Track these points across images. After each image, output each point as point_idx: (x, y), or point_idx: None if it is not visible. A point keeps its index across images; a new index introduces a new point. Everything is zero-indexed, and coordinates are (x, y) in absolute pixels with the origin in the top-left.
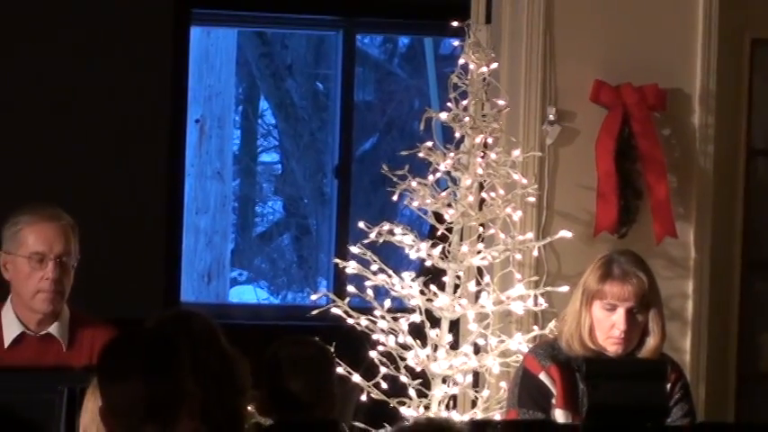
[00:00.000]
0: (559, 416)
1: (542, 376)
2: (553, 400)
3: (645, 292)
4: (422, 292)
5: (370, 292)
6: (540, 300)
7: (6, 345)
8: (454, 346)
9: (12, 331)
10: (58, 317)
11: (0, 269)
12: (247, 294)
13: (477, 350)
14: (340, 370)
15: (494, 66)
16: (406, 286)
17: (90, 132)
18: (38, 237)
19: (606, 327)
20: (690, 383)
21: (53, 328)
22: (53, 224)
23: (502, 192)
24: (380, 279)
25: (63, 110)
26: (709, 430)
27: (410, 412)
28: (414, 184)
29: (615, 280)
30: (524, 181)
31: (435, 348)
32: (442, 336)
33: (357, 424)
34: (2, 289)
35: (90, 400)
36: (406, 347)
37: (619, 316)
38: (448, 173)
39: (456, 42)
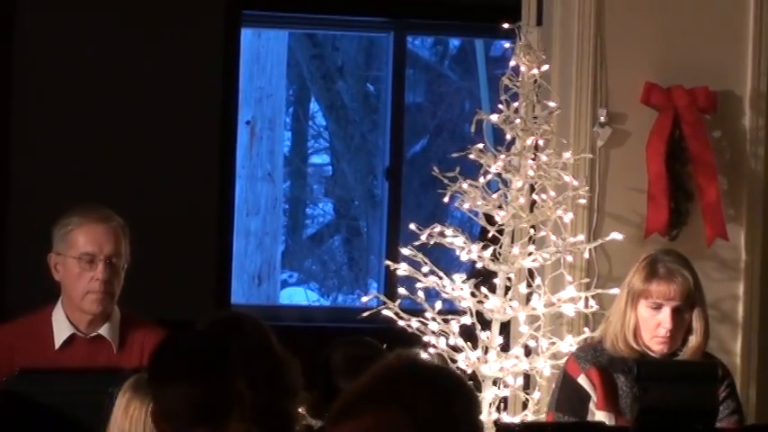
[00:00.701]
0: (601, 418)
1: (581, 379)
2: (592, 404)
3: (690, 291)
4: (473, 294)
5: (420, 294)
6: (591, 302)
7: (57, 346)
8: (505, 348)
9: (62, 333)
10: (108, 318)
11: (51, 270)
12: (298, 296)
13: (528, 352)
14: None
15: (545, 68)
16: (457, 288)
17: (141, 134)
18: (88, 238)
19: (652, 326)
20: (740, 386)
21: (103, 330)
22: (103, 225)
23: (553, 194)
24: (431, 281)
25: (115, 112)
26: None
27: None
28: (465, 185)
29: (661, 279)
30: (575, 183)
31: (486, 350)
32: (492, 338)
33: None
34: (53, 290)
35: (119, 414)
36: (456, 349)
37: (664, 315)
38: (499, 175)
39: (507, 44)
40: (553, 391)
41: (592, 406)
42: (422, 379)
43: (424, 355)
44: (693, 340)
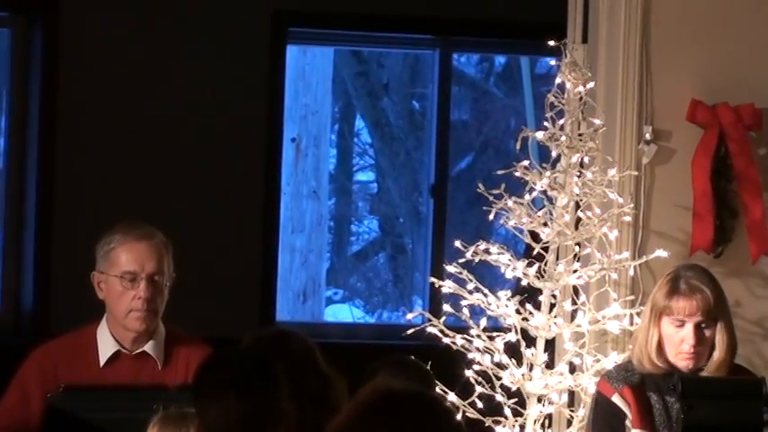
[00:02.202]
0: None
1: (615, 398)
2: (628, 422)
3: (711, 307)
4: (517, 311)
5: (465, 311)
6: (636, 319)
7: (102, 363)
8: (550, 365)
9: (107, 350)
10: (152, 335)
11: (95, 288)
12: (342, 313)
13: (573, 369)
14: (437, 390)
15: (590, 85)
16: (502, 305)
17: (187, 151)
18: (129, 256)
19: (676, 342)
20: None
21: (148, 347)
22: (145, 243)
23: (598, 211)
24: (476, 298)
25: (161, 129)
26: None
27: (504, 431)
28: (510, 203)
29: (682, 296)
30: (620, 200)
31: (531, 367)
32: (537, 355)
33: None
34: (97, 307)
35: None
36: (501, 366)
37: (687, 331)
38: (544, 192)
39: (552, 62)
40: (588, 414)
41: (628, 423)
42: (397, 411)
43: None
44: (717, 355)
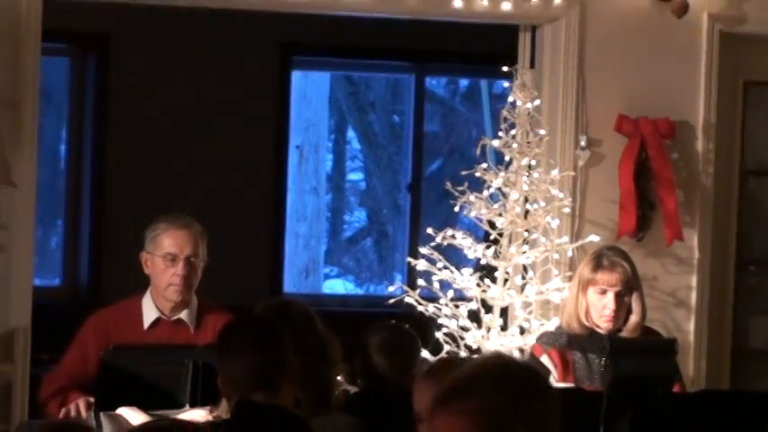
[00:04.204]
0: None
1: (543, 358)
2: (552, 378)
3: (629, 279)
4: (478, 285)
5: (436, 284)
6: None
7: (145, 327)
8: (504, 328)
9: (150, 316)
10: (187, 305)
11: (143, 265)
12: (337, 286)
13: (523, 331)
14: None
15: (536, 102)
16: (465, 280)
17: (212, 157)
18: (171, 241)
19: (599, 308)
20: (693, 359)
21: (183, 314)
22: (184, 231)
23: (543, 204)
24: (445, 274)
25: (191, 139)
26: (710, 396)
27: None
28: (472, 197)
29: (605, 270)
30: (561, 195)
31: (489, 330)
32: (494, 320)
33: None
34: (140, 283)
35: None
36: (465, 329)
37: (609, 299)
38: (499, 189)
39: (506, 83)
40: None
41: (552, 380)
42: (517, 375)
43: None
44: (633, 319)
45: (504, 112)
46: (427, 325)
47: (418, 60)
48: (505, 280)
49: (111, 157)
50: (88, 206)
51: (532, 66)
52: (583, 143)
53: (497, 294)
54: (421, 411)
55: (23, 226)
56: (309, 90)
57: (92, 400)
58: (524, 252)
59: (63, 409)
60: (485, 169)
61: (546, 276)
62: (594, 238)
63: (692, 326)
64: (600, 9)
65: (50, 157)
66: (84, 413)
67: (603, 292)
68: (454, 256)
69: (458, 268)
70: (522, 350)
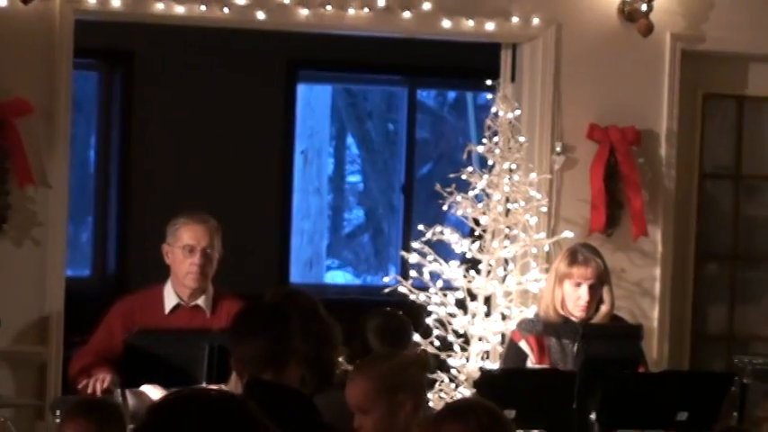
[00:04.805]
0: None
1: (522, 343)
2: (529, 362)
3: (601, 273)
4: (464, 276)
5: (426, 275)
6: None
7: (166, 312)
8: (487, 314)
9: (170, 302)
10: (204, 292)
11: (164, 256)
12: (338, 277)
13: (504, 317)
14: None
15: (517, 112)
16: (453, 271)
17: (226, 160)
18: (190, 234)
19: (574, 299)
20: (657, 343)
21: (200, 301)
22: (201, 225)
23: (522, 203)
24: (434, 266)
25: (209, 143)
26: (671, 376)
27: (455, 361)
28: (458, 198)
29: (580, 265)
30: (539, 196)
31: (474, 316)
32: (478, 307)
33: None
34: (161, 274)
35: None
36: (452, 315)
37: (583, 291)
38: (483, 190)
39: (490, 95)
40: (502, 352)
41: (529, 363)
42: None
43: (428, 320)
44: (604, 308)
45: (488, 121)
46: (418, 312)
47: (411, 74)
48: (489, 271)
49: (135, 161)
50: (115, 205)
51: (513, 80)
52: (558, 149)
53: (481, 284)
54: (352, 404)
55: (57, 223)
56: (313, 101)
57: (109, 376)
58: (506, 246)
59: (83, 382)
60: (470, 172)
61: (525, 268)
62: (569, 234)
63: (655, 313)
64: (573, 29)
65: (81, 162)
66: (98, 389)
67: (578, 284)
68: (443, 250)
69: (446, 261)
70: (503, 334)
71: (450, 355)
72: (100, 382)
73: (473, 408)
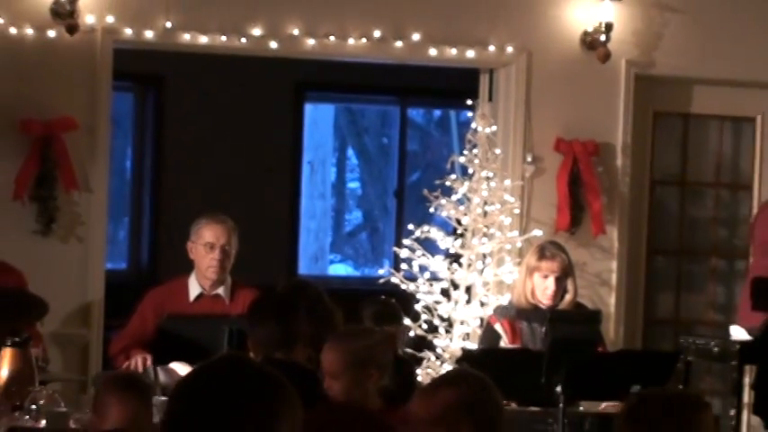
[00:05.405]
0: None
1: (497, 326)
2: (503, 342)
3: (566, 266)
4: (448, 268)
5: (416, 268)
6: None
7: (191, 300)
8: (468, 301)
9: (194, 291)
10: (223, 283)
11: (189, 252)
12: (340, 270)
13: (482, 304)
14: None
15: (493, 128)
16: (438, 265)
17: (243, 170)
18: (210, 233)
19: (542, 289)
20: (613, 327)
21: (220, 290)
22: (220, 225)
23: (498, 206)
24: (422, 260)
25: (227, 156)
26: (626, 355)
27: (440, 342)
28: (443, 201)
29: (547, 259)
30: (512, 200)
31: (456, 303)
32: (460, 295)
33: (407, 350)
34: (189, 266)
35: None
36: (438, 302)
37: (550, 282)
38: (465, 194)
39: (470, 113)
40: (480, 334)
41: (503, 343)
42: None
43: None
44: (568, 297)
45: (469, 136)
46: (409, 299)
47: (402, 95)
48: (469, 264)
49: (166, 170)
50: (148, 207)
51: (490, 100)
52: (529, 159)
53: (463, 276)
54: (325, 368)
55: (98, 222)
56: (318, 118)
57: (149, 356)
58: (484, 243)
59: (126, 363)
60: (453, 179)
61: (500, 262)
62: (538, 232)
63: (612, 300)
64: (542, 57)
65: (119, 170)
66: (140, 367)
67: (546, 276)
68: (430, 247)
69: (432, 255)
70: (481, 319)
71: (435, 337)
72: (142, 360)
73: (464, 376)
